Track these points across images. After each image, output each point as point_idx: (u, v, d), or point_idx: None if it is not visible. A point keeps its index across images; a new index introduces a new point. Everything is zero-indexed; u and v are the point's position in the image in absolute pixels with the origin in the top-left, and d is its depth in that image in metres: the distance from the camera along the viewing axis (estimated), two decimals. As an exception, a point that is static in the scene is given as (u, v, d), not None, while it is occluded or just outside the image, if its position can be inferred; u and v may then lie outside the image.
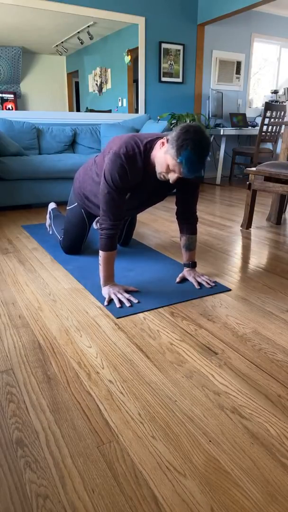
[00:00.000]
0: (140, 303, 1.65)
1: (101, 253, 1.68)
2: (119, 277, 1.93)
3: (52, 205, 2.63)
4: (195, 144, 1.44)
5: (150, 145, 1.63)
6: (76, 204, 2.11)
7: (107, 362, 1.25)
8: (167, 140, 1.51)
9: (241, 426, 0.99)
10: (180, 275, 1.89)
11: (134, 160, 1.61)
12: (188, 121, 4.47)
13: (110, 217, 1.64)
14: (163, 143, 1.56)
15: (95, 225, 2.69)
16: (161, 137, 1.64)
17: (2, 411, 1.04)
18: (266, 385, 1.14)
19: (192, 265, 1.91)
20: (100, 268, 1.70)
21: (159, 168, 1.58)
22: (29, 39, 4.03)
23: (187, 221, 1.87)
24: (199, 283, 1.84)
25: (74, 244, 2.21)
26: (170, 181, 1.57)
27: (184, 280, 1.89)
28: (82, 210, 2.10)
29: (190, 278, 1.87)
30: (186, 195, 1.84)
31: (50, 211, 2.58)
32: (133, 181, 1.65)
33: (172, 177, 1.54)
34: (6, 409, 1.04)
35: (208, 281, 1.84)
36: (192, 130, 1.46)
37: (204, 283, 1.83)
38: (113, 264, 1.71)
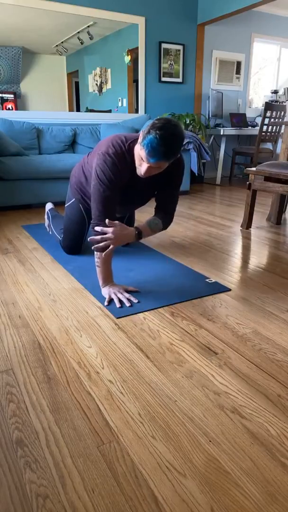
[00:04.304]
0: (140, 303, 1.65)
1: (96, 254, 1.68)
2: (119, 277, 1.93)
3: (49, 206, 2.63)
4: (160, 129, 1.45)
5: (133, 144, 1.67)
6: (74, 199, 2.12)
7: (107, 362, 1.25)
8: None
9: (241, 426, 0.99)
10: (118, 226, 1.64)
11: (123, 157, 1.65)
12: (187, 121, 4.47)
13: (102, 217, 1.65)
14: (140, 137, 1.57)
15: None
16: None
17: (2, 411, 1.04)
18: (266, 385, 1.14)
19: (139, 233, 1.69)
20: (98, 269, 1.70)
21: (136, 162, 1.60)
22: (29, 39, 4.03)
23: (161, 218, 1.80)
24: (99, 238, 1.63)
25: (75, 243, 2.21)
26: (142, 174, 1.58)
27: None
28: (81, 205, 2.10)
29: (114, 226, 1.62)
30: (163, 195, 1.84)
31: (48, 212, 2.58)
32: (124, 178, 1.68)
33: (143, 168, 1.55)
34: (6, 409, 1.04)
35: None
36: (164, 119, 1.48)
37: (102, 240, 1.63)
38: (110, 263, 1.71)
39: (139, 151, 1.53)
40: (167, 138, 1.45)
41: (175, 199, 1.85)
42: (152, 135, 1.45)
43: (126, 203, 1.88)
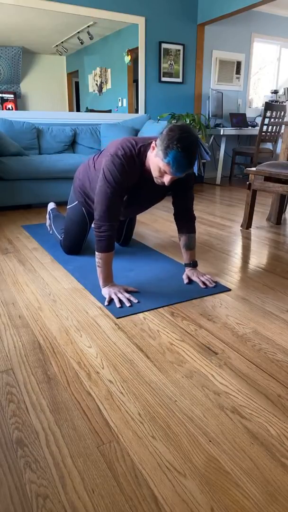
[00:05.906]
0: (140, 303, 1.65)
1: (98, 254, 1.68)
2: (119, 277, 1.93)
3: (51, 205, 2.63)
4: (180, 142, 1.45)
5: (143, 148, 1.67)
6: (76, 202, 2.12)
7: (107, 362, 1.25)
8: (156, 143, 1.55)
9: (241, 426, 0.99)
10: (185, 276, 1.90)
11: (132, 160, 1.65)
12: (187, 121, 4.47)
13: (106, 218, 1.65)
14: (153, 147, 1.58)
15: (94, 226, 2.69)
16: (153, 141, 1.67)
17: (2, 411, 1.04)
18: (266, 385, 1.14)
19: (193, 264, 1.92)
20: (98, 269, 1.70)
21: (154, 173, 1.61)
22: (29, 39, 4.03)
23: (186, 220, 1.89)
24: (203, 283, 1.85)
25: (75, 244, 2.21)
26: (166, 184, 1.59)
27: (191, 280, 1.89)
28: (83, 208, 2.10)
29: (194, 278, 1.87)
30: (181, 195, 1.86)
31: (49, 211, 2.58)
32: (131, 181, 1.68)
33: (166, 179, 1.57)
34: (6, 409, 1.04)
35: (210, 281, 1.84)
36: (177, 129, 1.48)
37: (207, 282, 1.84)
38: (111, 265, 1.71)
39: (160, 165, 1.53)
40: (189, 149, 1.47)
41: (192, 197, 1.91)
42: (175, 150, 1.45)
43: (132, 205, 1.88)
